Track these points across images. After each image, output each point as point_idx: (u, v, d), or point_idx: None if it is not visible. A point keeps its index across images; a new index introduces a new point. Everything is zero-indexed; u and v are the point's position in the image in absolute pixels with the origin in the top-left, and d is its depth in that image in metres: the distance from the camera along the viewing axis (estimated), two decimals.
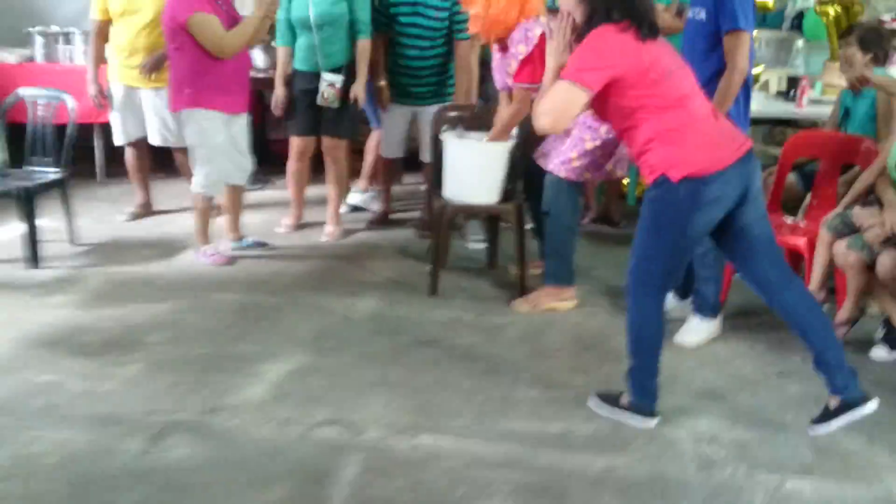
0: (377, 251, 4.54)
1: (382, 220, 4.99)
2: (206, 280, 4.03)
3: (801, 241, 3.54)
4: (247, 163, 4.32)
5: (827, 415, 2.64)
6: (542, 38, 3.58)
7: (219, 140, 4.07)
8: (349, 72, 4.42)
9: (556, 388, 3.02)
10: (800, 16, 6.04)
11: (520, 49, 3.69)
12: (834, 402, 2.62)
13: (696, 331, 3.45)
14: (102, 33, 4.64)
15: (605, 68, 2.48)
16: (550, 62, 2.68)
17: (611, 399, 2.82)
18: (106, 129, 5.12)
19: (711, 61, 3.21)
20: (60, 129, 4.43)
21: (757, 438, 2.70)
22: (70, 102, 4.38)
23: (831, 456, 2.61)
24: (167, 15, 3.93)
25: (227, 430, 2.68)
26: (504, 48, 3.79)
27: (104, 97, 4.71)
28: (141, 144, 4.90)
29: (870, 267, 3.23)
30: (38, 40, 5.57)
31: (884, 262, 3.16)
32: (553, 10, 3.36)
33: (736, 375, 3.17)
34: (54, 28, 5.65)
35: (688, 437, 2.70)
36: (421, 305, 3.78)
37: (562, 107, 2.51)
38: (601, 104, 2.60)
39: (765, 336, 3.46)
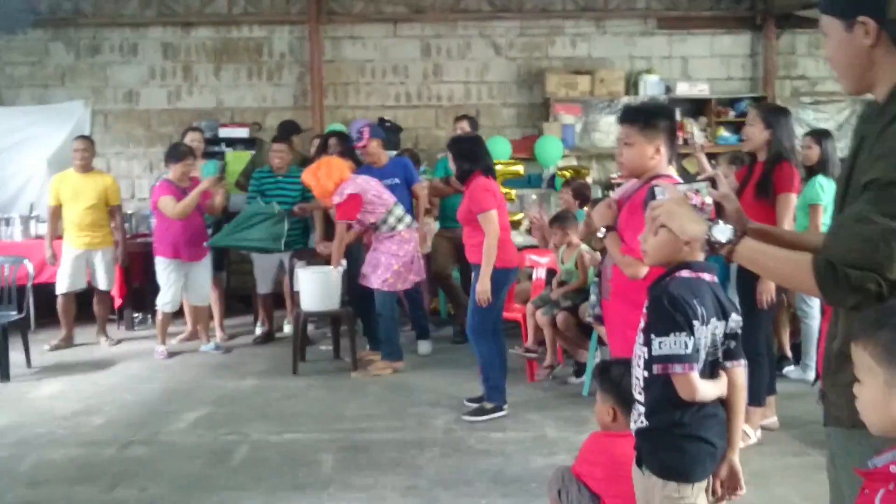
0: (261, 354, 6.52)
1: (266, 339, 6.95)
2: (134, 371, 5.88)
3: (518, 314, 5.75)
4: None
5: (482, 411, 4.76)
6: (352, 195, 5.67)
7: (174, 277, 6.18)
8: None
9: (370, 408, 5.02)
10: (552, 178, 8.61)
11: (335, 199, 5.70)
12: (488, 405, 4.77)
13: (422, 346, 5.95)
14: (56, 214, 6.46)
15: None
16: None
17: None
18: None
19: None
20: None
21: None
22: (29, 266, 6.17)
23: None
24: (152, 199, 6.23)
25: (167, 441, 4.49)
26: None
27: (57, 259, 6.48)
28: (72, 296, 6.64)
29: (554, 324, 5.45)
30: None
31: (559, 319, 5.37)
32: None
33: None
34: None
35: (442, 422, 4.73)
36: (287, 379, 5.71)
37: None
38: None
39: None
